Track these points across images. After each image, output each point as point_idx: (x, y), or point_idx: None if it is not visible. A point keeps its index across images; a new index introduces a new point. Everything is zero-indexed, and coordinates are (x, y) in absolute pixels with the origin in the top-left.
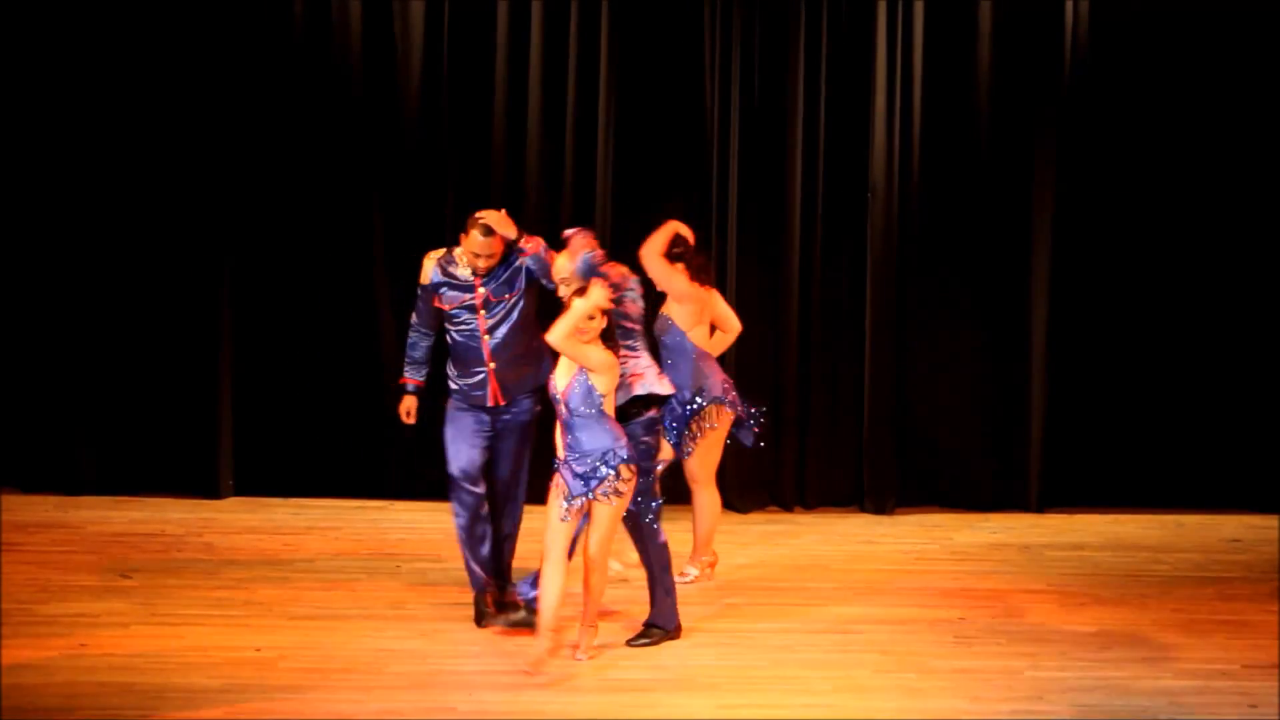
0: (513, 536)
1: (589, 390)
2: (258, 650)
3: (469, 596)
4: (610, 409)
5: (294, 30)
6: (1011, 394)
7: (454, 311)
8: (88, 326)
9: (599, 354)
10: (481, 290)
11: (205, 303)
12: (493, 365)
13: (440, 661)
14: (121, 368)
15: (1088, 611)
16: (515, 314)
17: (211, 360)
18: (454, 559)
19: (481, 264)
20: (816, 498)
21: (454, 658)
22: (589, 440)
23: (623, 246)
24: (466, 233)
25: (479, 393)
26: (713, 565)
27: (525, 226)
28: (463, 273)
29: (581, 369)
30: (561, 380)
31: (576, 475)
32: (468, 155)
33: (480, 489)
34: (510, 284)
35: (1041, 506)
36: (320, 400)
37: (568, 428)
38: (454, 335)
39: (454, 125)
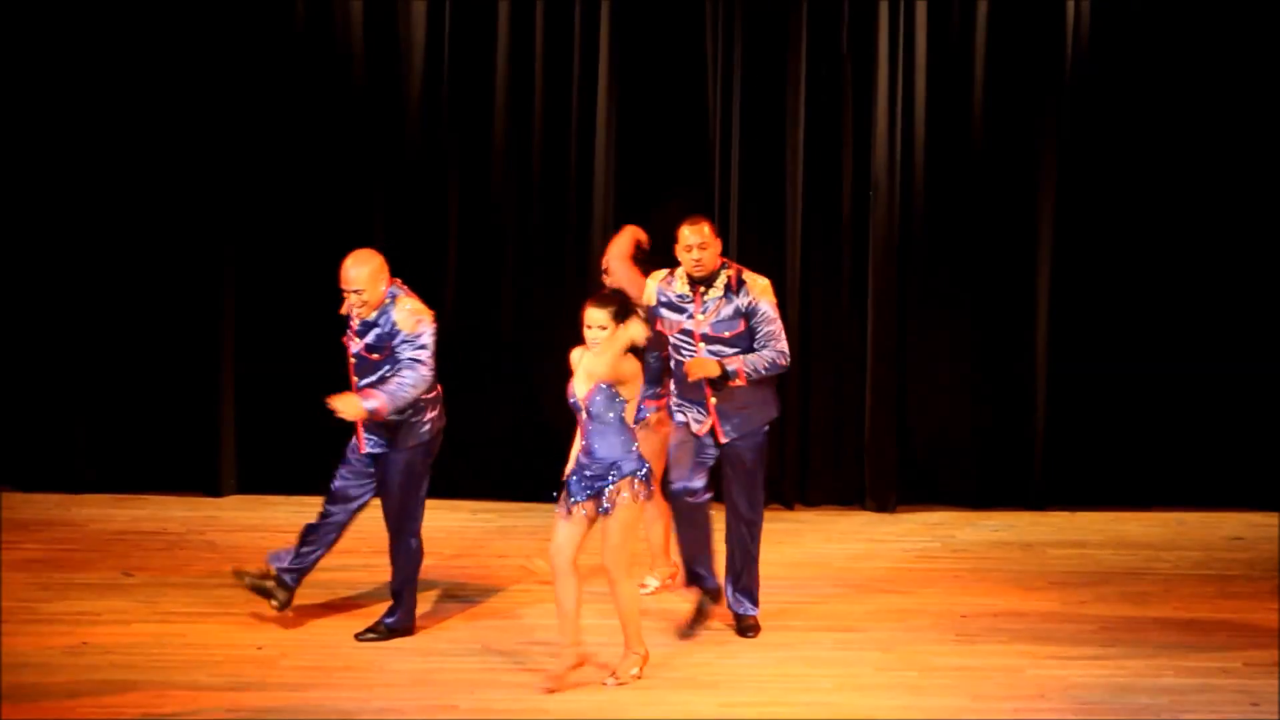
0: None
1: (612, 397)
2: (259, 648)
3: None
4: (630, 417)
5: (295, 25)
6: (1013, 392)
7: (673, 339)
8: (89, 325)
9: (630, 365)
10: (700, 317)
11: (207, 300)
12: (712, 401)
13: (442, 659)
14: (122, 366)
15: (1089, 610)
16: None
17: (213, 358)
18: (453, 556)
19: (694, 259)
20: (818, 496)
21: (456, 655)
22: (602, 449)
23: None
24: (678, 240)
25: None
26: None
27: (526, 224)
28: (681, 290)
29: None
30: (582, 387)
31: (582, 481)
32: (469, 153)
33: (702, 499)
34: (730, 323)
35: (1043, 504)
36: (322, 398)
37: (586, 435)
38: (676, 360)
39: (456, 123)
